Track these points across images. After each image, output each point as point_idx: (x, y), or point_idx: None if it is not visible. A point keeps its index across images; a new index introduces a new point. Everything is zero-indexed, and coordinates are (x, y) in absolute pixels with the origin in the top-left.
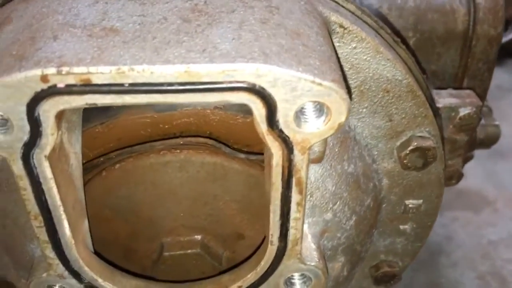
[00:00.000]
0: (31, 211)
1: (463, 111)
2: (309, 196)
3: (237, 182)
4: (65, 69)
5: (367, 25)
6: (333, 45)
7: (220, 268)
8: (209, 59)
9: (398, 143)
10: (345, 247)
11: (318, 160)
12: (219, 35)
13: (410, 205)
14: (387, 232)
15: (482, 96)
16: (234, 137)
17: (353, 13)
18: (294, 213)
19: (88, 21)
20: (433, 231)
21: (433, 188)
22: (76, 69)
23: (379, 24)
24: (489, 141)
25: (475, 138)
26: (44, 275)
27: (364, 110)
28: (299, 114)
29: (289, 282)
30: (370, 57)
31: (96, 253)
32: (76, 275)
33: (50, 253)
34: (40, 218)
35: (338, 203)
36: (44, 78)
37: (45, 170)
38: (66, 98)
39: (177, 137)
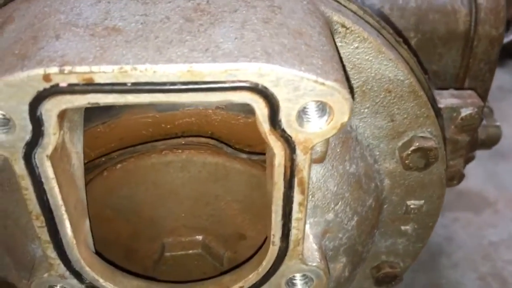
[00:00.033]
0: (33, 211)
1: (464, 112)
2: (310, 197)
3: (239, 182)
4: (67, 68)
5: (369, 25)
6: (336, 45)
7: (221, 269)
8: (212, 59)
9: (400, 144)
10: (347, 247)
11: (320, 160)
12: (221, 34)
13: (411, 206)
14: (389, 232)
15: (483, 96)
16: (236, 137)
17: (355, 13)
18: (296, 213)
19: (91, 20)
20: (434, 232)
21: (435, 188)
22: (78, 68)
23: (381, 24)
24: (490, 142)
25: (476, 138)
26: (45, 275)
27: (366, 110)
28: (302, 113)
29: (290, 283)
30: (372, 57)
31: (97, 253)
32: (78, 275)
33: (52, 253)
34: (42, 218)
35: (339, 203)
36: (46, 77)
37: (47, 170)
38: (68, 97)
39: (179, 137)
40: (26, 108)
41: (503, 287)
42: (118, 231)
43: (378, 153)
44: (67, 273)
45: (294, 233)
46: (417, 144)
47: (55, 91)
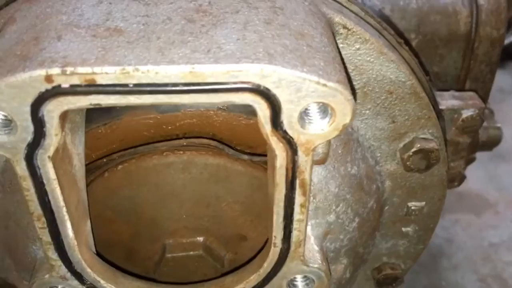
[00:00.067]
0: (34, 212)
1: (465, 113)
2: (312, 198)
3: (240, 183)
4: (69, 69)
5: (371, 27)
6: (337, 46)
7: (222, 270)
8: (214, 60)
9: (401, 145)
10: (348, 249)
11: (322, 161)
12: (223, 35)
13: (412, 207)
14: (390, 234)
15: (484, 98)
16: (237, 138)
17: (356, 14)
18: (297, 215)
19: (92, 21)
20: (434, 233)
21: (436, 190)
22: (80, 69)
23: (382, 26)
24: (491, 144)
25: (477, 140)
26: (47, 276)
27: (367, 111)
28: (304, 115)
29: (291, 284)
30: (374, 58)
31: (98, 254)
32: (79, 276)
33: (53, 254)
34: (43, 219)
35: (341, 205)
36: (48, 78)
37: (49, 171)
38: (70, 98)
39: (180, 138)
40: (28, 109)
41: None
42: (119, 232)
43: (379, 154)
44: (68, 274)
45: (295, 234)
46: (418, 145)
47: (57, 92)
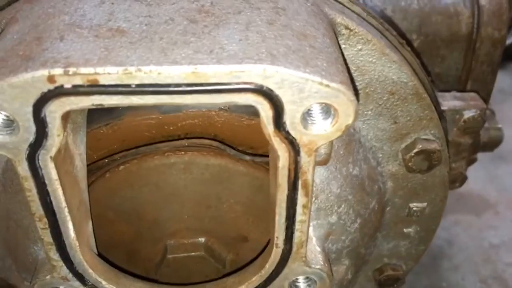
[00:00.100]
0: (36, 212)
1: (467, 114)
2: (314, 199)
3: (242, 184)
4: (72, 70)
5: (373, 27)
6: (340, 46)
7: (224, 271)
8: (217, 60)
9: (403, 146)
10: (350, 250)
11: (324, 162)
12: (226, 36)
13: (414, 208)
14: (391, 235)
15: (485, 99)
16: (239, 139)
17: (358, 15)
18: (300, 216)
19: (95, 21)
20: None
21: (438, 191)
22: (83, 70)
23: (384, 26)
24: (492, 144)
25: (478, 141)
26: (48, 277)
27: (369, 112)
28: (306, 115)
29: (293, 285)
30: (376, 59)
31: (100, 255)
32: (80, 277)
33: (54, 255)
34: (45, 219)
35: (343, 205)
36: (50, 79)
37: (51, 172)
38: (72, 98)
39: (182, 139)
40: (30, 109)
41: None
42: (120, 233)
43: (381, 155)
44: (70, 275)
45: (297, 235)
46: (420, 146)
47: (59, 92)
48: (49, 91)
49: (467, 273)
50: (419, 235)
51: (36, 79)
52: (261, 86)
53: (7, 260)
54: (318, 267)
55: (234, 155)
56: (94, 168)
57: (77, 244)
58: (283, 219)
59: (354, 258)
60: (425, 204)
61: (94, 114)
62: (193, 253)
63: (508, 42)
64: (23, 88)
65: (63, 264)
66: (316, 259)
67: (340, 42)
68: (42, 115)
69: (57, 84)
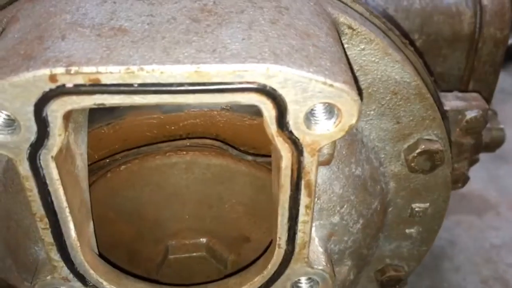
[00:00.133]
0: (37, 212)
1: (469, 114)
2: (316, 199)
3: (244, 184)
4: (74, 69)
5: (376, 27)
6: (343, 46)
7: (225, 272)
8: (220, 59)
9: (405, 146)
10: (352, 250)
11: (327, 162)
12: (229, 35)
13: (416, 209)
14: (393, 236)
15: (488, 99)
16: (241, 138)
17: (361, 14)
18: (302, 216)
19: (97, 20)
20: None
21: (440, 191)
22: (85, 69)
23: (387, 26)
24: (494, 145)
25: (481, 141)
26: (49, 277)
27: (372, 112)
28: (310, 115)
29: (296, 286)
30: (379, 59)
31: (101, 255)
32: (81, 278)
33: (55, 255)
34: (46, 220)
35: (345, 206)
36: (52, 78)
37: (52, 171)
38: (74, 98)
39: (183, 139)
40: (31, 109)
41: None
42: (121, 233)
43: (383, 155)
44: (71, 276)
45: (300, 236)
46: (423, 146)
47: (61, 91)
48: (51, 90)
49: (468, 274)
50: (421, 235)
51: (37, 78)
52: (264, 86)
53: (7, 260)
54: (320, 268)
55: (236, 155)
56: (95, 168)
57: (78, 245)
58: (285, 220)
59: (356, 258)
60: (428, 204)
61: (96, 114)
62: (194, 254)
63: (510, 42)
64: (25, 87)
65: (64, 265)
66: (318, 260)
67: (343, 41)
68: (44, 114)
69: (58, 83)
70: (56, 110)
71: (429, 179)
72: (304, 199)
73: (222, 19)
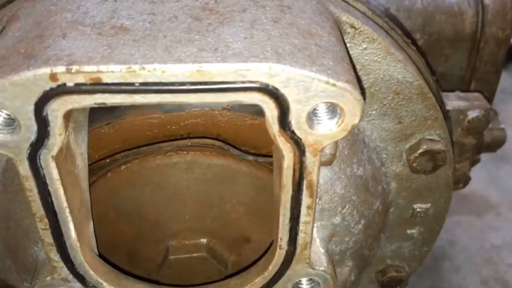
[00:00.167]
0: (37, 212)
1: (471, 114)
2: (317, 200)
3: (245, 184)
4: (74, 68)
5: (378, 26)
6: (346, 45)
7: (226, 272)
8: (222, 59)
9: (407, 146)
10: (353, 251)
11: (329, 162)
12: (231, 34)
13: (418, 209)
14: (394, 236)
15: (489, 99)
16: (242, 138)
17: (363, 13)
18: (304, 217)
19: (98, 19)
20: None
21: (442, 192)
22: (86, 68)
23: (389, 25)
24: (495, 145)
25: (482, 141)
26: (48, 278)
27: (374, 112)
28: (312, 115)
29: (297, 287)
30: (381, 58)
31: (101, 255)
32: (81, 278)
33: (55, 256)
34: (46, 220)
35: (347, 206)
36: (53, 77)
37: (52, 171)
38: (75, 97)
39: (184, 139)
40: (31, 108)
41: None
42: (122, 233)
43: (385, 155)
44: (71, 276)
45: (301, 236)
46: (425, 147)
47: (61, 91)
48: (51, 89)
49: (469, 274)
50: (422, 236)
51: (38, 77)
52: (267, 85)
53: (7, 261)
54: (322, 269)
55: (237, 155)
56: (96, 167)
57: (78, 245)
58: (287, 220)
59: (357, 259)
60: (429, 205)
61: (96, 113)
62: (195, 254)
63: None
64: (25, 86)
65: (64, 265)
66: (320, 260)
67: (345, 40)
68: (44, 113)
69: (59, 82)
70: (56, 110)
71: (431, 179)
72: (306, 200)
73: (224, 17)
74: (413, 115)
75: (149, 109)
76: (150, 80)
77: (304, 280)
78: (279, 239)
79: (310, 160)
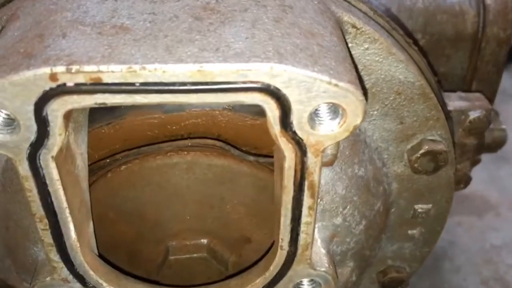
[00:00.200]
0: (36, 213)
1: (473, 115)
2: (319, 200)
3: (245, 185)
4: (75, 68)
5: (380, 26)
6: (348, 45)
7: (226, 273)
8: (223, 59)
9: (408, 147)
10: (355, 252)
11: (330, 163)
12: (232, 34)
13: (419, 210)
14: (395, 237)
15: (490, 99)
16: (243, 139)
17: (365, 13)
18: (305, 217)
19: (98, 18)
20: None
21: (443, 192)
22: (86, 68)
23: (391, 25)
24: (496, 145)
25: (483, 141)
26: (48, 279)
27: (375, 112)
28: (314, 115)
29: None
30: (383, 58)
31: (101, 256)
32: (81, 279)
33: (55, 256)
34: (46, 220)
35: (348, 207)
36: (53, 77)
37: (52, 171)
38: (75, 97)
39: (185, 139)
40: (31, 108)
41: None
42: (122, 233)
43: (386, 156)
44: (70, 277)
45: (303, 237)
46: (427, 147)
47: (61, 90)
48: (51, 89)
49: (469, 274)
50: (423, 237)
51: (38, 77)
52: (268, 85)
53: (6, 261)
54: (323, 269)
55: (238, 156)
56: (96, 168)
57: (78, 245)
58: (288, 221)
59: (358, 260)
60: (430, 205)
61: (96, 113)
62: (195, 255)
63: None
64: (25, 86)
65: (64, 266)
66: (321, 261)
67: (347, 40)
68: (44, 113)
69: (59, 82)
70: (56, 110)
71: (432, 180)
72: (307, 200)
73: (225, 17)
74: (414, 116)
75: (149, 109)
76: (150, 80)
77: (305, 281)
78: (280, 240)
79: (312, 161)
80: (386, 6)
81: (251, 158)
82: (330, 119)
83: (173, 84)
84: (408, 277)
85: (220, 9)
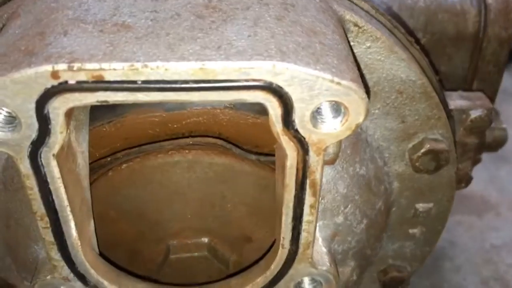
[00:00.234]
0: (37, 211)
1: (474, 114)
2: (320, 199)
3: (247, 183)
4: (76, 65)
5: (382, 25)
6: (350, 43)
7: (227, 272)
8: (225, 56)
9: (410, 146)
10: (356, 251)
11: (332, 161)
12: (234, 32)
13: (420, 209)
14: (396, 236)
15: (491, 98)
16: (244, 137)
17: (367, 12)
18: (307, 216)
19: (99, 16)
20: None
21: (445, 191)
22: (88, 65)
23: (393, 24)
24: (497, 144)
25: (484, 141)
26: (49, 277)
27: (377, 111)
28: (316, 114)
29: (299, 287)
30: (384, 57)
31: (102, 255)
32: (82, 277)
33: (56, 254)
34: (46, 218)
35: (349, 206)
36: (54, 75)
37: (53, 170)
38: (76, 95)
39: (186, 137)
40: (32, 106)
41: None
42: (122, 232)
43: (388, 155)
44: (71, 275)
45: (304, 236)
46: (428, 146)
47: (63, 88)
48: (53, 87)
49: (469, 274)
50: (424, 236)
51: (39, 74)
52: (270, 83)
53: (7, 259)
54: (324, 268)
55: (239, 154)
56: (97, 166)
57: (79, 244)
58: (289, 219)
59: (359, 259)
60: (431, 204)
61: (97, 111)
62: (196, 254)
63: None
64: (26, 84)
65: (65, 264)
66: (322, 260)
67: (349, 39)
68: (45, 111)
69: (61, 80)
70: (58, 107)
71: (433, 179)
72: (309, 199)
73: (227, 15)
74: (416, 114)
75: (150, 107)
76: (152, 78)
77: (306, 280)
78: (281, 238)
79: (314, 159)
80: (388, 5)
81: (253, 156)
82: (333, 117)
83: (175, 82)
84: (409, 276)
85: (222, 7)
